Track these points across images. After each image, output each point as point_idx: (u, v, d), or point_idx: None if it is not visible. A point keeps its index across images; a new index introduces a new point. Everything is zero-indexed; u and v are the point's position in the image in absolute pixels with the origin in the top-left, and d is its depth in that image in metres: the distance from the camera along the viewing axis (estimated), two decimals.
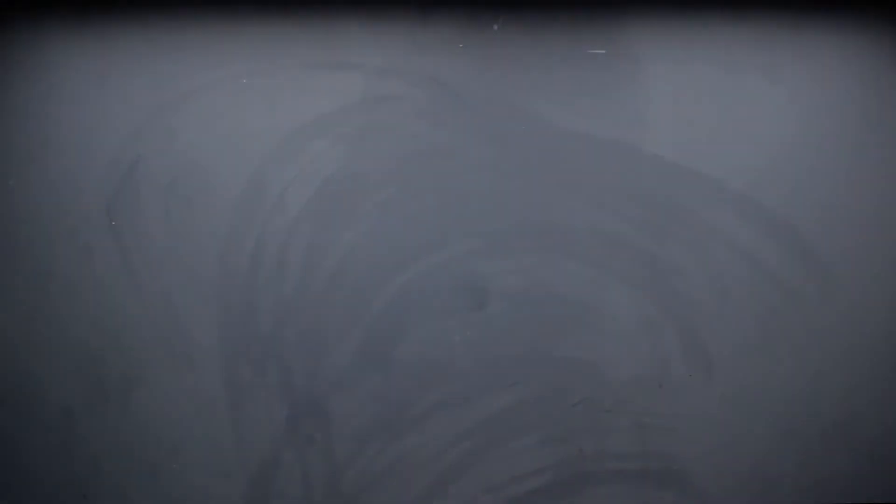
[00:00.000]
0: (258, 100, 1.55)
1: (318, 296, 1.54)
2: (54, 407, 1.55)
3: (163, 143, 1.58)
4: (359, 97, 1.56)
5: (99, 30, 1.58)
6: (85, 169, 1.57)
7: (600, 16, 1.57)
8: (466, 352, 1.55)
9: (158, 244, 1.56)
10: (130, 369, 1.55)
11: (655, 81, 1.57)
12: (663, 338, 1.55)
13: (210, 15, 1.58)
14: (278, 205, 1.54)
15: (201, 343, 1.56)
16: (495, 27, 1.58)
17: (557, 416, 1.55)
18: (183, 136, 1.57)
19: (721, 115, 1.57)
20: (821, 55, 1.57)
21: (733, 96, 1.57)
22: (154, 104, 1.58)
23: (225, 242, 1.54)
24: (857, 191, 1.56)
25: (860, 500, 1.52)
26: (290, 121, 1.56)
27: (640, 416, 1.54)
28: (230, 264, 1.55)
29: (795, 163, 1.56)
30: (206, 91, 1.57)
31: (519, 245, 1.55)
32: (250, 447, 1.54)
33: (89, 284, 1.56)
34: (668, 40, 1.57)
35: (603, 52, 1.58)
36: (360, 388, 1.54)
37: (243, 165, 1.55)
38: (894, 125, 1.56)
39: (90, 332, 1.55)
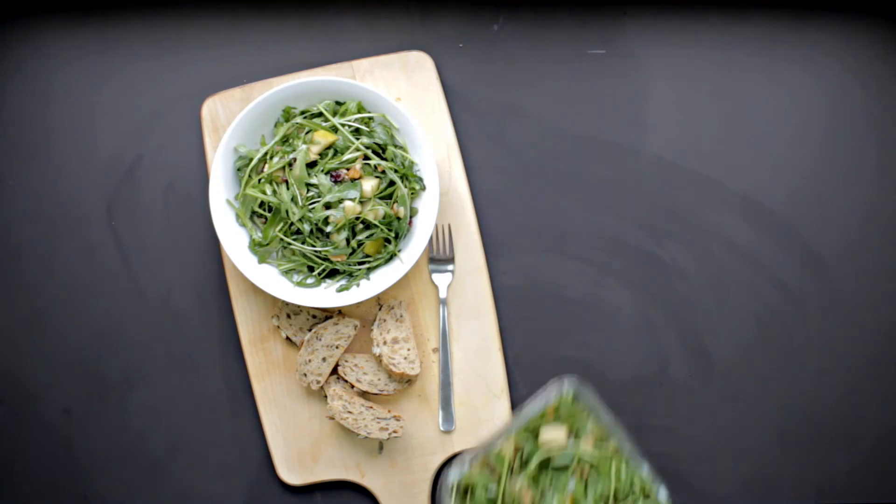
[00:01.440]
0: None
1: None
2: (54, 407, 1.54)
3: (163, 143, 1.57)
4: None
5: (99, 30, 1.57)
6: (85, 169, 1.56)
7: (600, 16, 1.57)
8: None
9: (158, 244, 1.56)
10: (130, 369, 1.55)
11: (655, 81, 1.57)
12: (663, 338, 1.55)
13: (210, 15, 1.58)
14: None
15: (201, 343, 1.55)
16: (495, 27, 1.58)
17: None
18: (183, 136, 1.57)
19: (721, 115, 1.57)
20: (821, 55, 1.56)
21: (733, 96, 1.57)
22: (154, 104, 1.57)
23: None
24: (857, 191, 1.55)
25: (860, 500, 1.51)
26: None
27: (640, 416, 1.53)
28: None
29: (795, 163, 1.56)
30: (206, 91, 1.56)
31: (519, 245, 1.55)
32: (250, 447, 1.54)
33: (89, 284, 1.56)
34: (669, 40, 1.57)
35: (603, 51, 1.57)
36: None
37: None
38: (894, 125, 1.56)
39: (90, 332, 1.55)
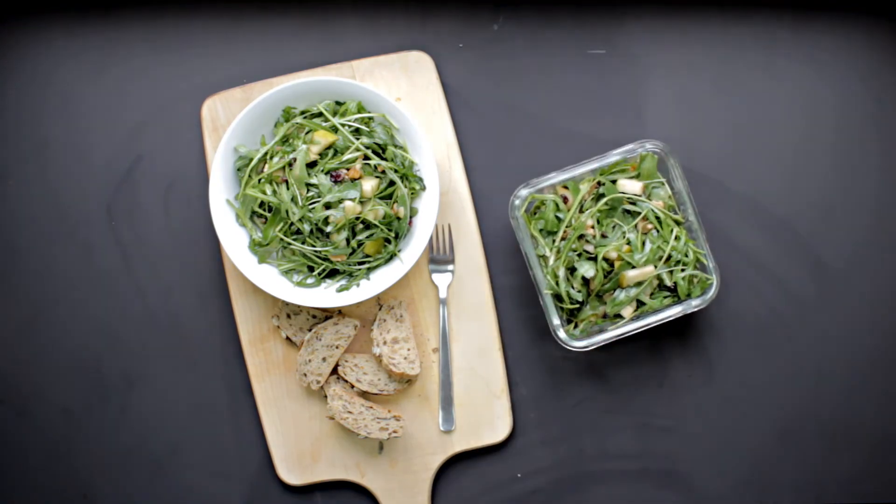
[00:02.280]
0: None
1: None
2: (54, 407, 1.54)
3: (163, 144, 1.57)
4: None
5: (99, 30, 1.57)
6: (85, 169, 1.56)
7: (600, 16, 1.56)
8: None
9: (158, 244, 1.56)
10: (130, 369, 1.55)
11: (655, 81, 1.56)
12: (663, 338, 1.54)
13: (210, 15, 1.57)
14: None
15: (201, 343, 1.55)
16: (495, 27, 1.57)
17: (557, 416, 1.54)
18: (183, 136, 1.56)
19: (721, 115, 1.56)
20: (821, 55, 1.55)
21: (733, 96, 1.56)
22: (154, 104, 1.57)
23: None
24: (858, 191, 1.55)
25: (860, 500, 1.51)
26: None
27: (640, 416, 1.53)
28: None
29: (796, 163, 1.55)
30: (206, 91, 1.56)
31: (519, 245, 1.52)
32: (250, 447, 1.54)
33: (89, 284, 1.55)
34: (669, 40, 1.56)
35: (603, 52, 1.56)
36: None
37: None
38: (894, 125, 1.55)
39: (90, 332, 1.55)
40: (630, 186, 1.43)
